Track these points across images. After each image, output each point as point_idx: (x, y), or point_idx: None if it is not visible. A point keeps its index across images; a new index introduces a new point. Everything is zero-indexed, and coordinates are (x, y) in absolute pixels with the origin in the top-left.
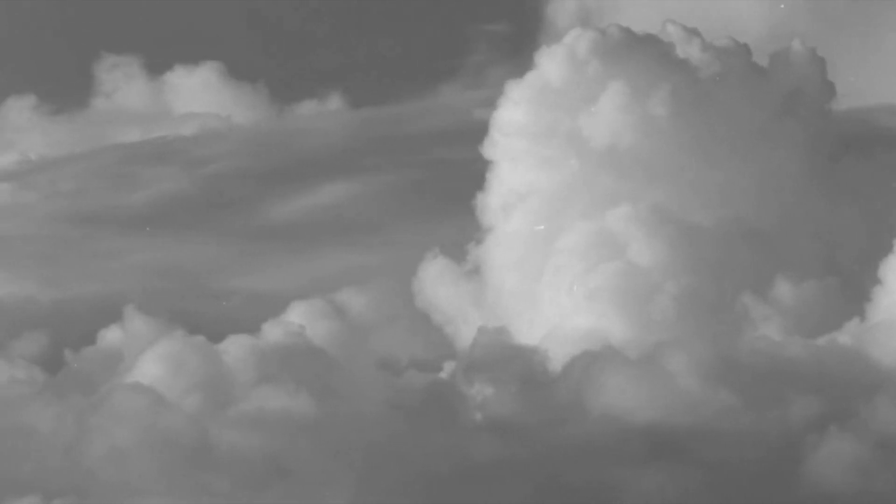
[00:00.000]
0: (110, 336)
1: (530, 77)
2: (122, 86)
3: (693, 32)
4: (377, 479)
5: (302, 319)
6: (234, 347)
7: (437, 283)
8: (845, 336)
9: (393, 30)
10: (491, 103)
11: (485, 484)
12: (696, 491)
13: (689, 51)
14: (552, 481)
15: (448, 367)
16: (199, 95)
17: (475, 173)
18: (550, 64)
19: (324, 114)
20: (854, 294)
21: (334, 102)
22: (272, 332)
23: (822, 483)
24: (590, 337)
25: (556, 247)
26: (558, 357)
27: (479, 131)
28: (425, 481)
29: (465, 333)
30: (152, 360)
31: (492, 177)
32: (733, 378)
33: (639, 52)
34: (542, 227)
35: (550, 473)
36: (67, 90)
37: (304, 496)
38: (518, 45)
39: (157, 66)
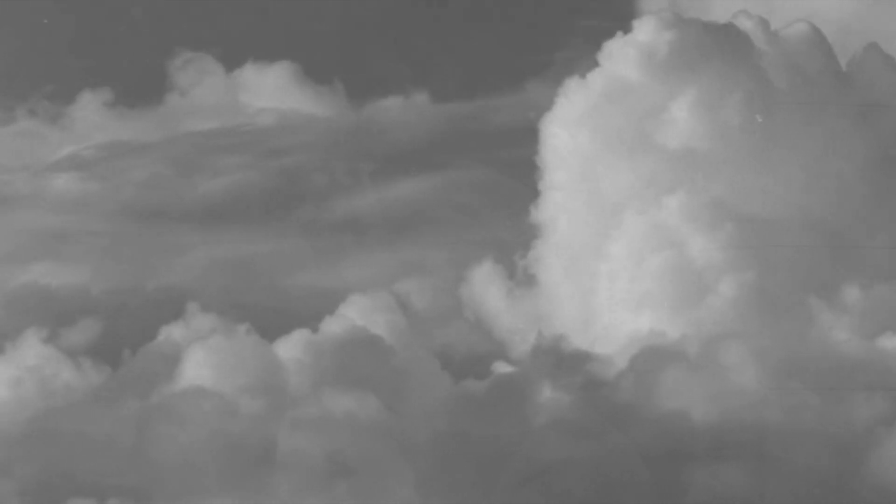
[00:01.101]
0: (172, 333)
1: (592, 74)
2: (197, 82)
3: (774, 34)
4: (440, 478)
5: (362, 313)
6: (298, 343)
7: (487, 285)
8: None
9: (482, 24)
10: None
11: (547, 484)
12: (761, 489)
13: (766, 47)
14: (615, 482)
15: (498, 368)
16: (274, 92)
17: None
18: (615, 59)
19: (405, 109)
20: None
21: (418, 97)
22: (333, 326)
23: (887, 479)
24: (649, 337)
25: (610, 248)
26: (617, 358)
27: None
28: (488, 481)
29: (515, 335)
30: (214, 358)
31: (543, 181)
32: (797, 375)
33: (710, 45)
34: (595, 228)
35: (613, 474)
36: (142, 85)
37: (366, 495)
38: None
39: (231, 64)
